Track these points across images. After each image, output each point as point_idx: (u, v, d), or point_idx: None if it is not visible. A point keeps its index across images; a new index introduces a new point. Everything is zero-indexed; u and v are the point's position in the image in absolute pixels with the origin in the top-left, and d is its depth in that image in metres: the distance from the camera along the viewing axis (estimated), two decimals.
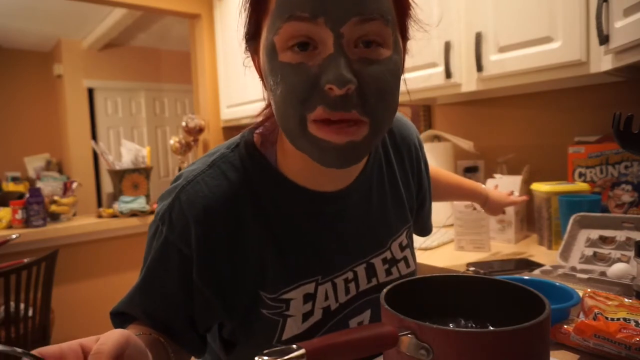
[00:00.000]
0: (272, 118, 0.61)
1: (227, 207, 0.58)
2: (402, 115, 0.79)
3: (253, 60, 0.58)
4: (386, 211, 0.70)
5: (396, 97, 0.52)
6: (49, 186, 2.33)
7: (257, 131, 0.64)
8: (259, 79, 0.58)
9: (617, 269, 0.90)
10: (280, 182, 0.61)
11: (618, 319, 0.62)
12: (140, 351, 0.47)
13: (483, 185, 1.20)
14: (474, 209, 1.33)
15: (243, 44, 0.57)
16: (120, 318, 0.65)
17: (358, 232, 0.66)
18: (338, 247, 0.64)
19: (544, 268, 1.00)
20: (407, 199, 0.75)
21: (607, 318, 0.63)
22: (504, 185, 1.54)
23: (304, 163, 0.59)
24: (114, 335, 0.45)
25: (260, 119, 0.64)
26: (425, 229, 0.91)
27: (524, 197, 1.25)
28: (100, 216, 2.33)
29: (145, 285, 0.62)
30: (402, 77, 0.56)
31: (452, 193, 1.14)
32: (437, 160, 1.75)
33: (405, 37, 0.58)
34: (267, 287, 0.60)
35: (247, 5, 0.53)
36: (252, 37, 0.56)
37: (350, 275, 0.65)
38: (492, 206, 1.20)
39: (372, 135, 0.51)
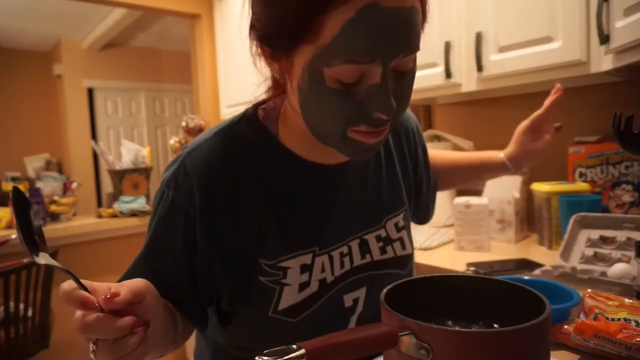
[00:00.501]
0: (276, 96, 0.67)
1: (230, 172, 0.61)
2: None
3: (262, 48, 0.57)
4: (381, 189, 0.73)
5: (411, 95, 0.58)
6: (48, 186, 2.32)
7: (261, 107, 0.67)
8: (267, 65, 0.58)
9: (618, 269, 0.90)
10: (281, 152, 0.64)
11: (618, 319, 0.62)
12: (158, 302, 0.50)
13: (501, 154, 0.98)
14: (524, 172, 1.02)
15: (250, 33, 0.57)
16: None
17: (353, 207, 0.69)
18: (335, 219, 0.67)
19: (544, 268, 1.00)
20: (404, 181, 0.78)
21: (607, 318, 0.63)
22: (504, 185, 1.53)
23: (304, 138, 0.63)
24: (135, 281, 0.48)
25: (264, 96, 0.68)
26: (426, 215, 0.92)
27: (548, 137, 0.97)
28: (100, 216, 2.33)
29: (150, 250, 0.64)
30: None
31: (461, 171, 0.99)
32: None
33: (424, 22, 0.60)
34: (266, 255, 0.62)
35: (282, 16, 0.51)
36: (271, 39, 0.54)
37: (345, 249, 0.67)
38: (517, 160, 0.94)
39: (390, 131, 0.58)
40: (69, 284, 0.43)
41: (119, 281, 0.63)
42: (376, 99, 0.51)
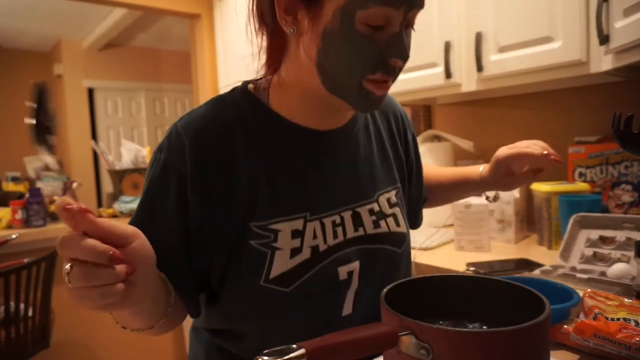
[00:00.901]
0: (267, 75, 0.69)
1: (221, 133, 0.63)
2: None
3: (283, 11, 0.59)
4: (372, 164, 0.74)
5: None
6: (48, 186, 2.33)
7: (250, 83, 0.70)
8: (280, 20, 0.60)
9: (617, 269, 0.90)
10: (272, 117, 0.66)
11: (618, 319, 0.62)
12: (147, 254, 0.48)
13: (480, 169, 0.96)
14: (487, 198, 0.99)
15: None
16: None
17: (344, 177, 0.69)
18: (325, 187, 0.67)
19: (544, 268, 1.01)
20: (395, 161, 0.79)
21: (607, 318, 0.63)
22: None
23: (299, 102, 0.66)
24: (124, 224, 0.47)
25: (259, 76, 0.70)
26: (416, 220, 0.92)
27: (528, 174, 0.91)
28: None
29: (143, 215, 0.63)
30: None
31: (448, 185, 0.99)
32: (437, 160, 1.75)
33: None
34: (256, 217, 0.62)
35: None
36: None
37: (337, 218, 0.67)
38: (490, 184, 0.93)
39: (390, 86, 0.64)
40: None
41: None
42: (394, 46, 0.58)
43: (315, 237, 0.64)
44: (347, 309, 0.67)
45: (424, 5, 0.59)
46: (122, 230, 0.45)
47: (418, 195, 0.90)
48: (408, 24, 0.60)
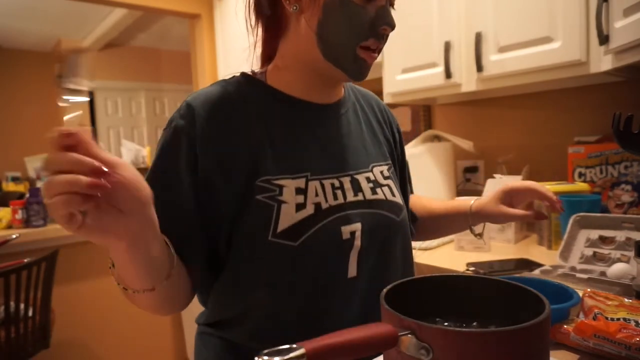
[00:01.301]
0: (262, 65, 0.79)
1: (227, 103, 0.70)
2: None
3: None
4: (364, 140, 0.80)
5: None
6: None
7: (249, 72, 0.78)
8: (290, 5, 0.69)
9: (617, 269, 0.90)
10: (270, 91, 0.74)
11: (618, 319, 0.62)
12: (140, 188, 0.49)
13: (472, 201, 0.93)
14: (474, 233, 0.94)
15: None
16: None
17: (340, 148, 0.75)
18: (322, 153, 0.73)
19: (543, 268, 1.01)
20: (385, 143, 0.85)
21: (607, 318, 0.63)
22: (503, 185, 1.53)
23: (295, 78, 0.74)
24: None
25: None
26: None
27: (527, 213, 0.86)
28: None
29: (154, 180, 0.65)
30: None
31: (438, 215, 0.97)
32: (437, 160, 1.75)
33: None
34: (261, 174, 0.67)
35: None
36: None
37: (336, 182, 0.72)
38: (483, 218, 0.91)
39: (377, 55, 0.72)
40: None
41: None
42: (383, 15, 0.68)
43: (317, 195, 0.69)
44: (352, 271, 0.70)
45: None
46: (111, 158, 0.46)
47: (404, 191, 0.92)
48: (391, 3, 0.71)
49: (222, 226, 0.67)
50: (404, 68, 1.68)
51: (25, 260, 1.70)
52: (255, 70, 0.78)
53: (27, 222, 2.09)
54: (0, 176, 4.11)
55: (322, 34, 0.68)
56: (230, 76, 0.77)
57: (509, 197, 0.88)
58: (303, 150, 0.71)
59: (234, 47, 2.60)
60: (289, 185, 0.67)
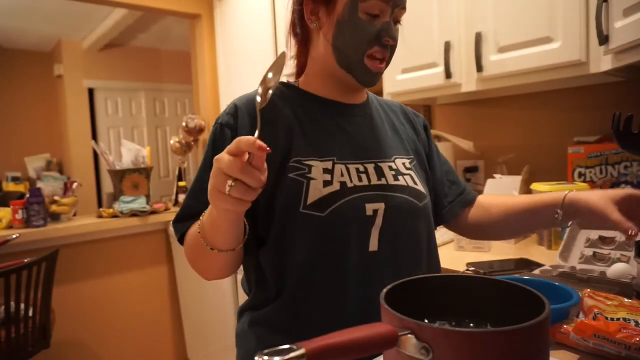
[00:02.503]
0: (296, 76, 0.90)
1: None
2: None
3: (306, 6, 0.81)
4: (386, 135, 0.88)
5: None
6: (49, 186, 2.33)
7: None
8: (307, 19, 0.82)
9: (617, 269, 0.90)
10: (303, 93, 0.86)
11: (618, 319, 0.62)
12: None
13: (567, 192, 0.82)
14: (561, 224, 0.80)
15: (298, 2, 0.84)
16: (182, 224, 0.79)
17: (364, 139, 0.84)
18: (348, 142, 0.82)
19: (543, 268, 1.01)
20: (408, 140, 0.92)
21: (606, 318, 0.63)
22: (503, 185, 1.54)
23: (322, 83, 0.85)
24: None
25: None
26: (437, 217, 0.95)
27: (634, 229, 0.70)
28: (100, 216, 2.33)
29: (205, 168, 0.78)
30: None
31: (521, 213, 0.89)
32: None
33: None
34: (293, 156, 0.78)
35: None
36: None
37: (360, 167, 0.80)
38: (578, 211, 0.79)
39: (386, 67, 0.82)
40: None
41: (176, 219, 0.81)
42: (386, 29, 0.77)
43: (342, 175, 0.78)
44: (373, 245, 0.77)
45: (405, 8, 0.80)
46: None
47: (441, 188, 0.96)
48: (396, 20, 0.80)
49: (262, 203, 0.76)
50: (404, 68, 1.68)
51: (25, 260, 1.70)
52: (291, 81, 0.90)
53: (27, 222, 2.09)
54: (0, 176, 4.12)
55: (336, 45, 0.79)
56: None
57: (627, 204, 0.74)
58: (330, 139, 0.81)
59: (234, 47, 2.60)
60: (317, 166, 0.77)
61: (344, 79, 0.82)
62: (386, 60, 0.81)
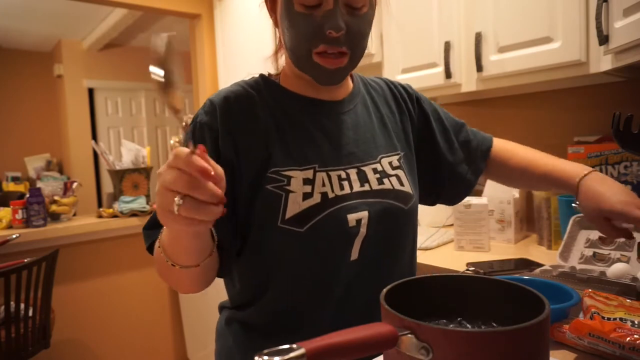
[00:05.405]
0: (276, 65, 0.84)
1: (243, 100, 0.76)
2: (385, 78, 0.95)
3: (269, 10, 0.77)
4: (373, 132, 0.82)
5: (367, 39, 0.75)
6: (49, 186, 2.33)
7: (266, 73, 0.83)
8: (271, 18, 0.78)
9: (617, 269, 0.90)
10: (284, 91, 0.79)
11: (615, 319, 0.62)
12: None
13: (585, 172, 0.81)
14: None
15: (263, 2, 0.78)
16: (153, 232, 0.72)
17: (347, 141, 0.78)
18: (330, 146, 0.76)
19: (543, 268, 1.01)
20: (396, 132, 0.86)
21: (603, 317, 0.63)
22: (503, 185, 1.53)
23: (299, 82, 0.79)
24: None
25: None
26: (460, 189, 0.94)
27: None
28: (100, 216, 2.33)
29: None
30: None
31: (535, 179, 0.90)
32: None
33: None
34: (272, 166, 0.72)
35: None
36: None
37: (342, 174, 0.75)
38: (587, 207, 0.78)
39: (350, 62, 0.73)
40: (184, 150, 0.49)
41: (146, 225, 0.74)
42: (328, 19, 0.68)
43: (324, 185, 0.73)
44: (354, 254, 0.73)
45: None
46: (222, 174, 0.51)
47: (457, 161, 0.92)
48: (349, 4, 0.69)
49: (240, 212, 0.72)
50: (404, 68, 1.69)
51: (25, 260, 1.70)
52: (272, 73, 0.84)
53: (27, 222, 2.09)
54: (0, 176, 4.12)
55: (286, 44, 0.74)
56: (250, 77, 0.82)
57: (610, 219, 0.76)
58: (311, 144, 0.75)
59: (234, 47, 2.60)
60: (297, 176, 0.72)
61: (311, 79, 0.75)
62: (347, 54, 0.71)
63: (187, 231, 0.55)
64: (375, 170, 0.78)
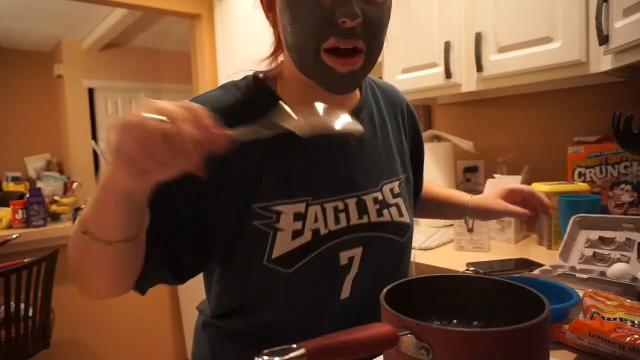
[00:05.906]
0: (274, 66, 0.72)
1: (229, 115, 0.61)
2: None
3: (265, 10, 0.67)
4: (379, 155, 0.74)
5: (385, 33, 0.64)
6: (49, 186, 2.33)
7: (261, 73, 0.72)
8: (269, 23, 0.68)
9: (617, 269, 0.90)
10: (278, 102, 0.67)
11: (615, 319, 0.62)
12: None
13: (469, 196, 0.99)
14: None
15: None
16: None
17: (348, 166, 0.70)
18: (327, 173, 0.68)
19: (543, 268, 1.01)
20: (398, 154, 0.79)
21: (603, 317, 0.63)
22: (503, 185, 1.53)
23: (302, 90, 0.68)
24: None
25: (265, 65, 0.73)
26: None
27: (525, 211, 0.93)
28: None
29: (154, 194, 0.61)
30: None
31: (440, 202, 1.01)
32: (437, 160, 1.75)
33: None
34: (259, 199, 0.64)
35: None
36: None
37: (340, 205, 0.68)
38: (480, 212, 0.96)
39: (367, 64, 0.62)
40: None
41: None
42: (340, 6, 0.56)
43: (316, 220, 0.65)
44: (345, 292, 0.68)
45: None
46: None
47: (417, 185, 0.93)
48: None
49: (218, 246, 0.65)
50: (404, 68, 1.68)
51: (25, 260, 1.70)
52: (267, 72, 0.73)
53: (27, 222, 2.09)
54: (0, 176, 4.11)
55: (288, 43, 0.63)
56: (243, 76, 0.73)
57: (510, 195, 0.95)
58: (306, 172, 0.67)
59: (234, 47, 2.60)
60: (287, 212, 0.64)
61: (315, 87, 0.64)
62: (362, 51, 0.60)
63: (133, 186, 0.47)
64: (375, 200, 0.72)
